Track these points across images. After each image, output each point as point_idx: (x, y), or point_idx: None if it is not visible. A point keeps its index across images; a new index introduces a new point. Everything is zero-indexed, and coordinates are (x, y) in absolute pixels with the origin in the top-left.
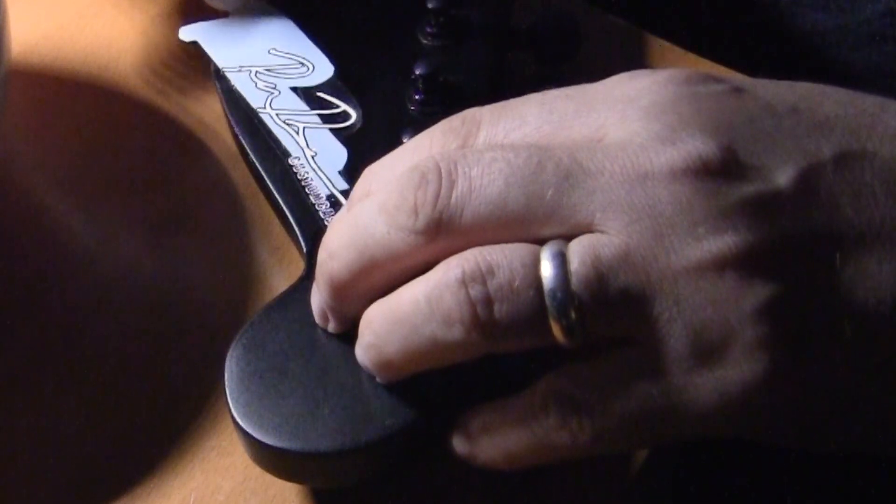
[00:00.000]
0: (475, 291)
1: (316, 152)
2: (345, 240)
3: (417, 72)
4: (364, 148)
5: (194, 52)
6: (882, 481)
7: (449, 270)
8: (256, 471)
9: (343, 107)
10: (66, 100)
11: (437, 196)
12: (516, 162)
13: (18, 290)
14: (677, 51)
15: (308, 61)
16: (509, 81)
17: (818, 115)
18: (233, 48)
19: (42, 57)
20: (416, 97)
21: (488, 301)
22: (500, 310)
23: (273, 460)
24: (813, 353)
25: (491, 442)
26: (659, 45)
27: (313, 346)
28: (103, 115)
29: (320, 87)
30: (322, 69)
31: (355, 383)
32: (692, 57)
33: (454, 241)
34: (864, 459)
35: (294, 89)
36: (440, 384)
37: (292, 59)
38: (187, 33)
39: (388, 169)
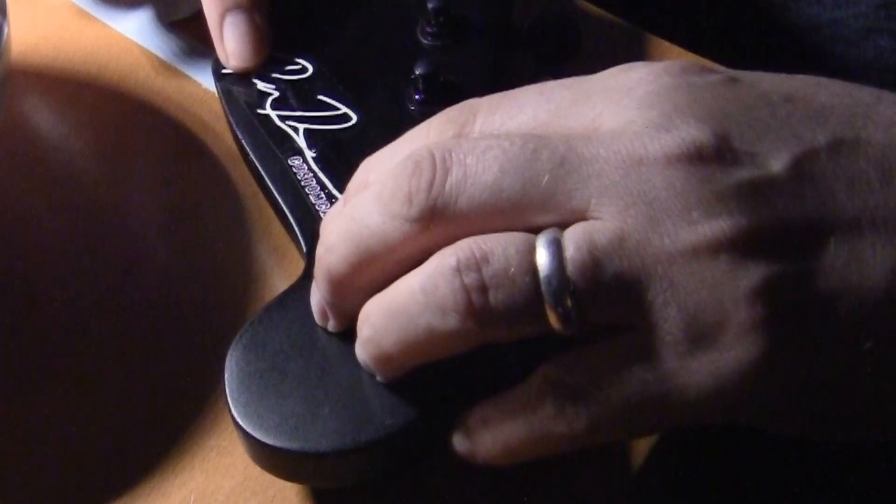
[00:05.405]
0: (470, 279)
1: (316, 152)
2: (342, 233)
3: (417, 72)
4: (364, 148)
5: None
6: (883, 480)
7: (444, 259)
8: (256, 471)
9: (343, 107)
10: (66, 100)
11: (432, 183)
12: (512, 149)
13: (18, 290)
14: (676, 50)
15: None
16: (509, 81)
17: (813, 104)
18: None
19: (42, 57)
20: (416, 97)
21: (483, 289)
22: (495, 297)
23: (273, 460)
24: (806, 336)
25: (490, 436)
26: (658, 45)
27: (313, 346)
28: (103, 114)
29: (321, 88)
30: None
31: (355, 383)
32: (691, 55)
33: (449, 228)
34: (864, 458)
35: (295, 90)
36: (440, 384)
37: (293, 62)
38: None
39: (384, 160)
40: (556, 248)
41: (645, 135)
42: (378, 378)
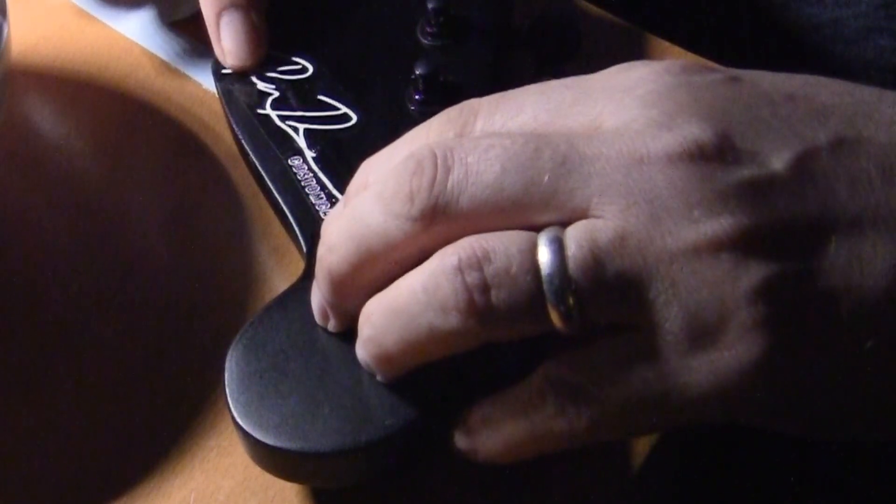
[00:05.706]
0: (471, 278)
1: (316, 152)
2: (343, 233)
3: (417, 72)
4: (364, 148)
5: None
6: (883, 480)
7: (445, 258)
8: (256, 471)
9: (343, 107)
10: (66, 100)
11: (433, 182)
12: (513, 148)
13: (18, 290)
14: (676, 50)
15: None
16: (509, 81)
17: (815, 103)
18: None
19: (42, 57)
20: (416, 97)
21: (485, 287)
22: (497, 296)
23: (273, 460)
24: (807, 336)
25: (491, 434)
26: (658, 45)
27: (313, 346)
28: (103, 115)
29: (321, 88)
30: None
31: (355, 383)
32: (691, 55)
33: (451, 227)
34: (864, 458)
35: (295, 90)
36: (440, 384)
37: (293, 62)
38: None
39: (384, 160)
40: (558, 247)
41: (646, 133)
42: (378, 378)
